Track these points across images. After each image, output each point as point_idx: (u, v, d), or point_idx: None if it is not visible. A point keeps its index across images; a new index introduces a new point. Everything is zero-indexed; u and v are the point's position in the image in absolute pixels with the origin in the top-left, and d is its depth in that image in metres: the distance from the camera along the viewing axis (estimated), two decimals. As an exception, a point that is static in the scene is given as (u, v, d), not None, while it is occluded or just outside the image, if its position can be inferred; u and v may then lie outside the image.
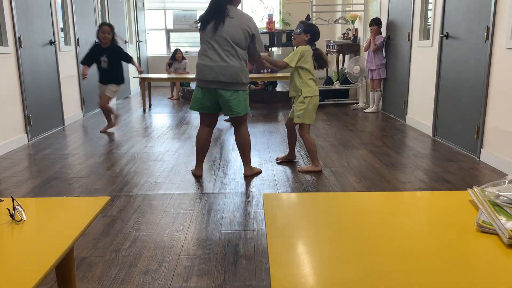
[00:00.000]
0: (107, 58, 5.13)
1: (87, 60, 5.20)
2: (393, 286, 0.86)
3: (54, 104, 5.56)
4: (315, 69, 3.66)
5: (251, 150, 3.64)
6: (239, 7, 3.38)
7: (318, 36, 3.64)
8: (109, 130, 5.39)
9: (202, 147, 3.55)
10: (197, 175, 3.59)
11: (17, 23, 4.65)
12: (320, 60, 3.66)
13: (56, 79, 5.63)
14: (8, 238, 1.10)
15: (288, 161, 4.00)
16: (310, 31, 3.57)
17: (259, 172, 3.66)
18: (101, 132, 5.33)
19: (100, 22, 7.39)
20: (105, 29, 5.15)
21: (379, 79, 6.56)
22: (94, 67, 5.24)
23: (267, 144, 4.64)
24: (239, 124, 3.46)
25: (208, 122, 3.51)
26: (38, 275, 0.91)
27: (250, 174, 3.59)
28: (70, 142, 4.88)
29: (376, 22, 6.45)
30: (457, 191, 1.37)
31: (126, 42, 8.61)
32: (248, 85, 3.43)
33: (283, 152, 4.33)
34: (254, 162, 3.98)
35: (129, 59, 5.33)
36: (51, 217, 1.24)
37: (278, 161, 3.99)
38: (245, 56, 3.30)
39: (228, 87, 3.25)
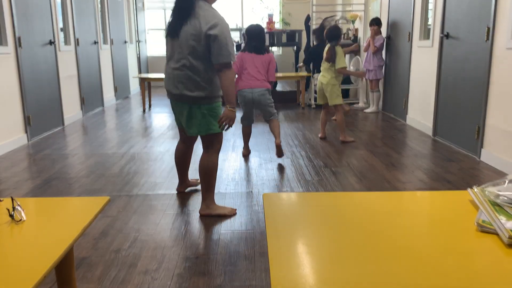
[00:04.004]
0: None
1: None
2: (392, 286, 0.86)
3: (54, 104, 5.56)
4: None
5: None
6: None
7: None
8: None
9: (178, 163, 3.10)
10: (179, 191, 3.22)
11: (17, 23, 4.65)
12: None
13: (56, 79, 5.63)
14: (8, 238, 1.10)
15: (289, 161, 4.00)
16: None
17: (223, 214, 2.79)
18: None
19: (100, 22, 7.39)
20: None
21: (377, 80, 6.57)
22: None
23: (267, 144, 4.64)
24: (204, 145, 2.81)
25: (183, 137, 3.00)
26: (38, 275, 0.91)
27: (206, 213, 2.79)
28: (70, 142, 4.88)
29: (376, 22, 6.45)
30: (457, 191, 1.37)
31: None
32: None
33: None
34: (254, 162, 3.99)
35: None
36: (51, 217, 1.24)
37: None
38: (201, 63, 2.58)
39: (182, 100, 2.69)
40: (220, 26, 2.47)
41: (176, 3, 2.58)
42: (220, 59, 2.49)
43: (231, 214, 2.80)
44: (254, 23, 4.20)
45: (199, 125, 2.65)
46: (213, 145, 2.75)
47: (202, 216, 2.78)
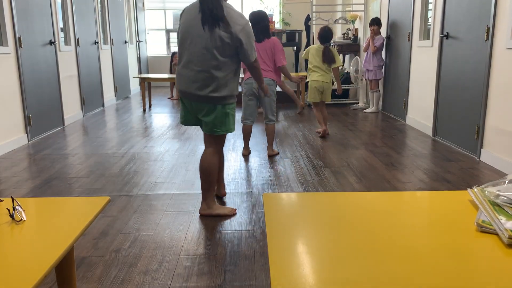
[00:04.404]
0: None
1: None
2: (392, 286, 0.86)
3: (54, 104, 5.56)
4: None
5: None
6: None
7: None
8: None
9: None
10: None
11: (17, 23, 4.65)
12: None
13: (56, 79, 5.63)
14: (8, 238, 1.10)
15: (285, 160, 4.00)
16: None
17: (223, 214, 2.78)
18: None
19: (100, 22, 7.39)
20: None
21: (376, 80, 6.57)
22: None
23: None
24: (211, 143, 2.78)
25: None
26: (38, 275, 0.91)
27: (206, 213, 2.78)
28: (70, 142, 4.88)
29: (376, 22, 6.45)
30: (457, 191, 1.37)
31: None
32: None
33: (282, 152, 4.34)
34: (254, 162, 3.99)
35: None
36: (51, 217, 1.24)
37: None
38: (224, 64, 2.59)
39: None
40: (248, 26, 2.58)
41: (201, 3, 2.50)
42: (251, 58, 2.65)
43: (231, 214, 2.80)
44: (256, 9, 4.17)
45: (220, 124, 2.66)
46: (218, 145, 2.77)
47: (202, 216, 2.78)
